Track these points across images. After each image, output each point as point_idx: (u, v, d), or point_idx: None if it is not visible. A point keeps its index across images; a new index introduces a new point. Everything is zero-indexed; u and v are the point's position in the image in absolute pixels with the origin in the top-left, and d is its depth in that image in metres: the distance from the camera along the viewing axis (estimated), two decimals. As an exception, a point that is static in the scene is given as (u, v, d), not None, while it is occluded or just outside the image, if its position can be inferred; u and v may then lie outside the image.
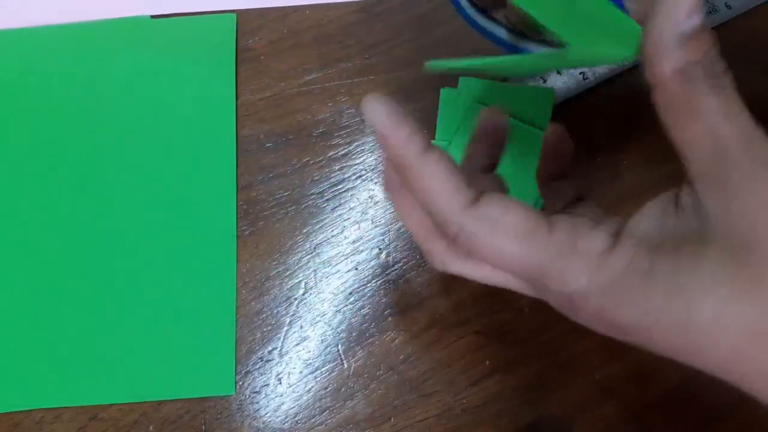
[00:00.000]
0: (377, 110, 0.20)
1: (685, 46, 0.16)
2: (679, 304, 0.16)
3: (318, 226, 0.35)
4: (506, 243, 0.18)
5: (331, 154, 0.37)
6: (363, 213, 0.36)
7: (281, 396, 0.32)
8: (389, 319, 0.33)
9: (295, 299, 0.34)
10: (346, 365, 0.33)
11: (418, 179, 0.19)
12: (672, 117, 0.17)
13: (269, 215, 0.35)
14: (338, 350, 0.33)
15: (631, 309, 0.17)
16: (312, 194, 0.36)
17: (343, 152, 0.37)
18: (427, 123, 0.37)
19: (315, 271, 0.34)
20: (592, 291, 0.18)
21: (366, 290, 0.34)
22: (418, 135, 0.19)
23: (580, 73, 0.37)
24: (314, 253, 0.35)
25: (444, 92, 0.36)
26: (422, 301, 0.34)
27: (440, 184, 0.19)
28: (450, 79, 0.37)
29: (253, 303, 0.34)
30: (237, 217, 0.35)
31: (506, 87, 0.36)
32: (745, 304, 0.16)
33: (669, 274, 0.17)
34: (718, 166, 0.16)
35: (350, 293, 0.34)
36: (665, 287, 0.17)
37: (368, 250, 0.35)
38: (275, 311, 0.34)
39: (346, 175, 0.36)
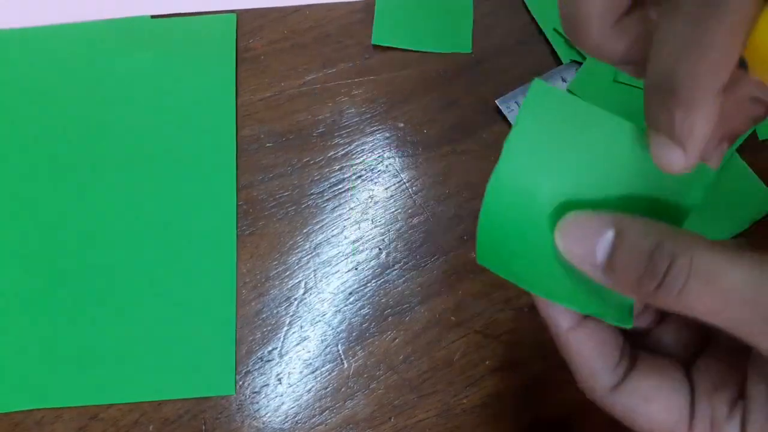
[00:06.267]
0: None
1: (613, 272, 0.18)
2: None
3: (318, 226, 0.35)
4: (645, 427, 0.20)
5: (331, 154, 0.37)
6: (363, 213, 0.36)
7: (281, 396, 0.32)
8: (389, 319, 0.33)
9: (295, 299, 0.34)
10: (346, 365, 0.33)
11: (566, 353, 0.21)
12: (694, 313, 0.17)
13: (269, 215, 0.35)
14: (338, 350, 0.33)
15: None
16: (312, 194, 0.36)
17: (343, 152, 0.37)
18: (426, 123, 0.37)
19: (315, 271, 0.34)
20: None
21: (366, 290, 0.34)
22: (569, 312, 0.20)
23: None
24: (314, 253, 0.35)
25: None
26: (422, 301, 0.34)
27: (585, 364, 0.20)
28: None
29: (253, 303, 0.34)
30: (237, 217, 0.35)
31: None
32: None
33: None
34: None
35: (350, 293, 0.34)
36: None
37: (368, 250, 0.35)
38: (275, 311, 0.34)
39: (346, 175, 0.36)
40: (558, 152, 0.20)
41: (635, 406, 0.19)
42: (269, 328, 0.33)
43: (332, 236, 0.35)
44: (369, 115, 0.38)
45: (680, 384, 0.20)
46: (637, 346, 0.22)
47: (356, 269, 0.34)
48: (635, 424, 0.20)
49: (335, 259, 0.35)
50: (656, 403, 0.19)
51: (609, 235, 0.18)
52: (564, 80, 0.38)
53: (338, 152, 0.37)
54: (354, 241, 0.35)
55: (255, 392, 0.32)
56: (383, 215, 0.36)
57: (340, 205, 0.36)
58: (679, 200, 0.20)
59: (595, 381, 0.20)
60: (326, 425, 0.32)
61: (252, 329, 0.33)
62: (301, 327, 0.33)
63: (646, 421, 0.19)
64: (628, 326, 0.19)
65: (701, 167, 0.19)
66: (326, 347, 0.33)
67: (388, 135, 0.37)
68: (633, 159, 0.20)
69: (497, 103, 0.38)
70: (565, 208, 0.20)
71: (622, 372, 0.20)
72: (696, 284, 0.16)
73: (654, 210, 0.20)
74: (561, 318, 0.20)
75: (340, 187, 0.36)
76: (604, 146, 0.20)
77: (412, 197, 0.36)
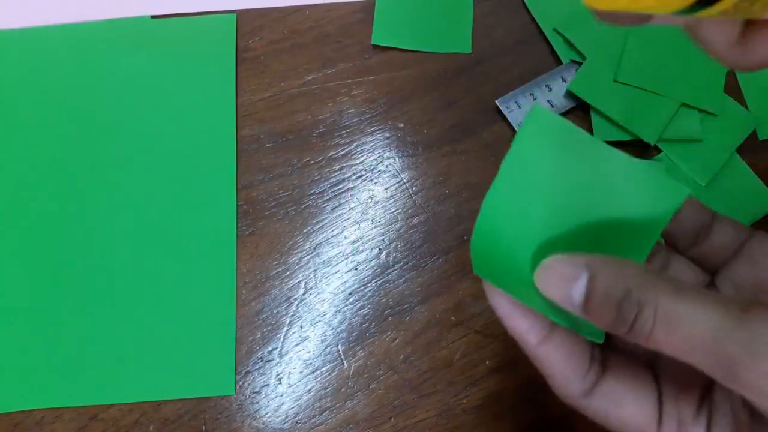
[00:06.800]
0: (501, 303, 0.21)
1: (588, 314, 0.18)
2: None
3: (318, 226, 0.35)
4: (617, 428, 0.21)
5: (331, 154, 0.37)
6: (363, 213, 0.36)
7: (281, 396, 0.32)
8: (389, 319, 0.33)
9: (295, 299, 0.34)
10: (346, 365, 0.33)
11: (537, 364, 0.21)
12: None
13: (269, 215, 0.35)
14: (338, 350, 0.33)
15: None
16: (312, 194, 0.36)
17: (343, 152, 0.37)
18: (426, 123, 0.37)
19: (315, 271, 0.34)
20: None
21: (366, 290, 0.34)
22: (534, 329, 0.21)
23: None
24: (314, 253, 0.35)
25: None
26: (422, 301, 0.34)
27: (556, 374, 0.21)
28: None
29: (253, 303, 0.34)
30: (237, 217, 0.35)
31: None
32: None
33: None
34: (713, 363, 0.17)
35: (350, 293, 0.34)
36: None
37: (368, 250, 0.35)
38: (275, 311, 0.34)
39: (346, 175, 0.36)
40: (552, 177, 0.21)
41: (607, 410, 0.20)
42: (269, 328, 0.33)
43: (332, 236, 0.35)
44: (369, 115, 0.38)
45: (649, 387, 0.21)
46: (606, 344, 0.22)
47: (356, 269, 0.34)
48: (608, 425, 0.21)
49: (335, 259, 0.35)
50: (627, 406, 0.20)
51: (583, 280, 0.19)
52: (564, 80, 0.38)
53: (338, 152, 0.37)
54: (354, 241, 0.35)
55: (255, 392, 0.32)
56: (383, 215, 0.36)
57: (340, 205, 0.36)
58: (652, 222, 0.21)
59: (566, 389, 0.21)
60: (326, 425, 0.32)
61: (252, 329, 0.33)
62: (301, 327, 0.33)
63: (618, 423, 0.20)
64: (600, 341, 0.21)
65: (676, 186, 0.21)
66: (326, 347, 0.33)
67: (388, 135, 0.37)
68: (623, 188, 0.21)
69: (497, 103, 0.38)
70: (553, 231, 0.21)
71: (594, 378, 0.21)
72: (661, 331, 0.17)
73: (631, 231, 0.21)
74: (527, 334, 0.21)
75: (340, 187, 0.36)
76: (596, 175, 0.21)
77: (412, 197, 0.36)
